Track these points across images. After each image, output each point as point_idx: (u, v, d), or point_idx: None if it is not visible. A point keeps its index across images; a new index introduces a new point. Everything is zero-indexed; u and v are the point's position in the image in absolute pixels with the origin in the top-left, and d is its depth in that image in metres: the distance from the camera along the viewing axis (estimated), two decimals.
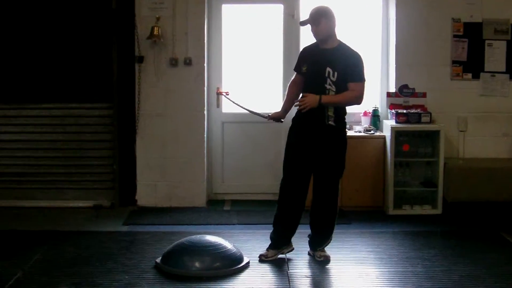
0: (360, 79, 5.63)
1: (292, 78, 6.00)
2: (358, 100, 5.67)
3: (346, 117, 5.74)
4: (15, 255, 5.88)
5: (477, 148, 7.70)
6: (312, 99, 5.52)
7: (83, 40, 7.57)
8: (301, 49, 6.10)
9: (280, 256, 5.87)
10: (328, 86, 5.56)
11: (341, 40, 5.72)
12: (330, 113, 5.57)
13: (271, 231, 5.95)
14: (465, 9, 7.59)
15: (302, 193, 5.80)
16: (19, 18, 7.54)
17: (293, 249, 5.94)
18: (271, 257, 5.85)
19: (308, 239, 5.95)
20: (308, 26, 5.71)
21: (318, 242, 5.86)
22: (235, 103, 7.20)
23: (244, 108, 6.94)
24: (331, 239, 5.86)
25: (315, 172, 5.76)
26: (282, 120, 6.10)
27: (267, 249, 5.90)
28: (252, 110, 6.77)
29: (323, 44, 5.68)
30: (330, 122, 5.59)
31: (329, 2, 7.59)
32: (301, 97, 5.66)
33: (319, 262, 5.76)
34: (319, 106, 5.52)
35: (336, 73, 5.53)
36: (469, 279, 5.35)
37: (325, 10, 5.67)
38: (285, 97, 6.05)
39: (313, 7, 5.74)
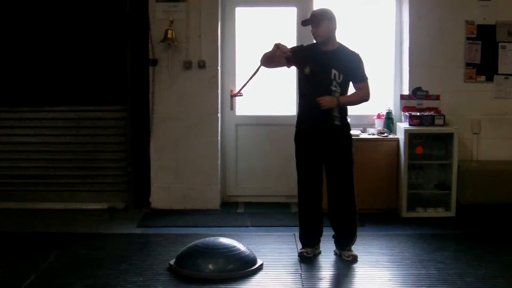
0: (364, 78, 5.80)
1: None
2: (367, 97, 5.87)
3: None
4: (29, 257, 5.91)
5: (491, 150, 7.67)
6: (331, 99, 5.63)
7: (97, 43, 7.61)
8: None
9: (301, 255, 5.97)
10: (333, 88, 5.68)
11: (340, 42, 5.83)
12: (336, 113, 5.68)
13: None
14: (478, 12, 7.56)
15: (318, 194, 5.92)
16: (34, 22, 7.59)
17: (319, 252, 6.04)
18: (311, 253, 5.95)
19: (333, 239, 6.03)
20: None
21: (344, 243, 5.94)
22: (245, 84, 6.51)
23: (249, 81, 6.45)
24: (356, 237, 5.95)
25: (329, 173, 5.86)
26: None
27: (303, 247, 6.01)
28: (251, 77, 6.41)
29: (324, 46, 5.78)
30: (336, 122, 5.71)
31: (342, 5, 7.67)
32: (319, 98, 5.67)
33: (344, 262, 5.83)
34: (337, 105, 5.65)
35: (341, 75, 5.67)
36: (482, 282, 5.33)
37: (326, 12, 5.79)
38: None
39: (315, 9, 5.93)
